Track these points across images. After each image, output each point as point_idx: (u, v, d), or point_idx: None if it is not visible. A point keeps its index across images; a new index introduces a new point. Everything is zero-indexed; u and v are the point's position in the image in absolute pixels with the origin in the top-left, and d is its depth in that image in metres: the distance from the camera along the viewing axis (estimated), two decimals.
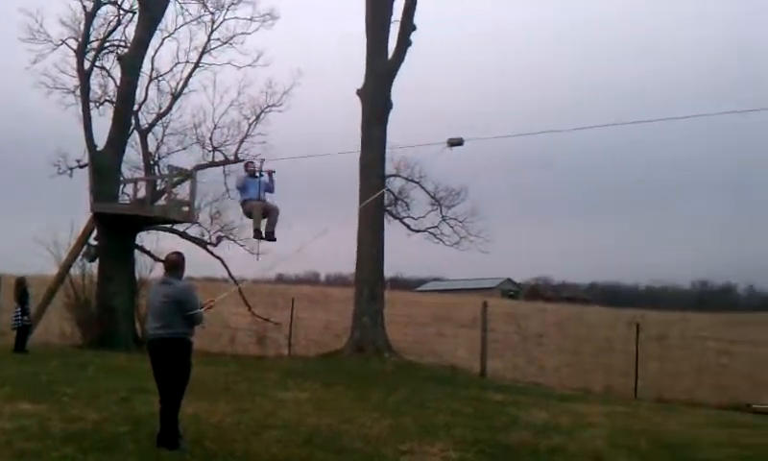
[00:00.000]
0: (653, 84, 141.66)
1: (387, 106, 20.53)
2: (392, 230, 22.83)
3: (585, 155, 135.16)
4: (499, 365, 19.91)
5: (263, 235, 11.37)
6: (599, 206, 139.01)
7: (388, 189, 22.43)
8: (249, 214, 11.55)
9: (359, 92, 20.58)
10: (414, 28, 20.73)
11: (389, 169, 22.00)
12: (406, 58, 20.82)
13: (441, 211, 23.86)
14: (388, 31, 20.73)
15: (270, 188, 11.68)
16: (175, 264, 7.88)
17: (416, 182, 23.67)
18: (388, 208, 22.78)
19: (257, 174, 11.53)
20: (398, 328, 22.96)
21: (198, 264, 22.64)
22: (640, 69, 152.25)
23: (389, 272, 21.03)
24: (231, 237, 23.25)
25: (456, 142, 10.19)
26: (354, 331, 19.62)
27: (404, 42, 20.70)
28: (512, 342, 25.23)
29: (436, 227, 24.00)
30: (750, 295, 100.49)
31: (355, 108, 20.72)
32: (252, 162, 12.11)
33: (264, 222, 11.34)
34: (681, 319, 41.09)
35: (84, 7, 22.04)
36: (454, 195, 23.82)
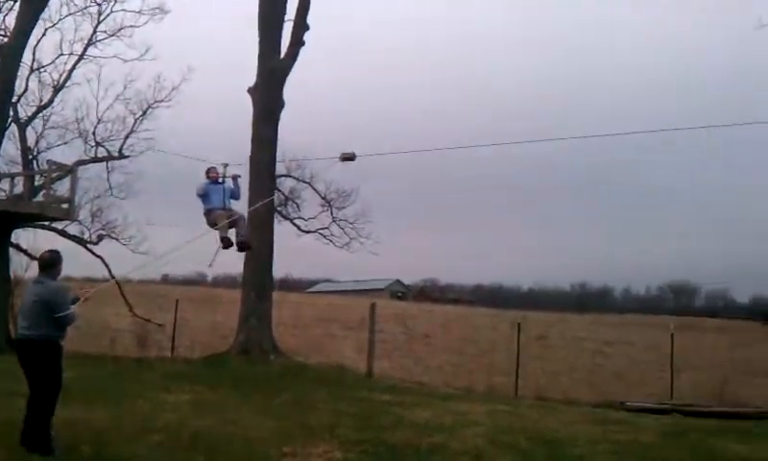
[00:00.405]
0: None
1: (278, 105, 20.33)
2: (282, 230, 22.70)
3: (474, 161, 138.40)
4: (386, 365, 20.08)
5: (232, 243, 10.73)
6: (485, 210, 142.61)
7: (278, 189, 22.26)
8: (213, 224, 10.82)
9: (250, 91, 20.30)
10: (307, 28, 20.62)
11: (280, 169, 21.84)
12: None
13: (331, 212, 23.90)
14: (281, 30, 20.52)
15: (235, 194, 11.03)
16: (49, 263, 7.55)
17: (307, 183, 23.61)
18: (278, 209, 22.60)
19: (220, 180, 10.89)
20: (287, 330, 22.84)
21: (79, 263, 21.83)
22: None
23: (279, 273, 21.04)
24: (114, 236, 22.52)
25: (348, 157, 10.18)
26: (240, 333, 19.31)
27: (297, 42, 20.56)
28: (399, 342, 25.54)
29: (326, 228, 24.03)
30: (625, 297, 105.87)
31: (248, 106, 20.44)
32: (215, 167, 11.30)
33: (232, 232, 10.74)
34: (560, 320, 42.77)
35: None
36: (345, 196, 23.94)
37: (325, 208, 23.89)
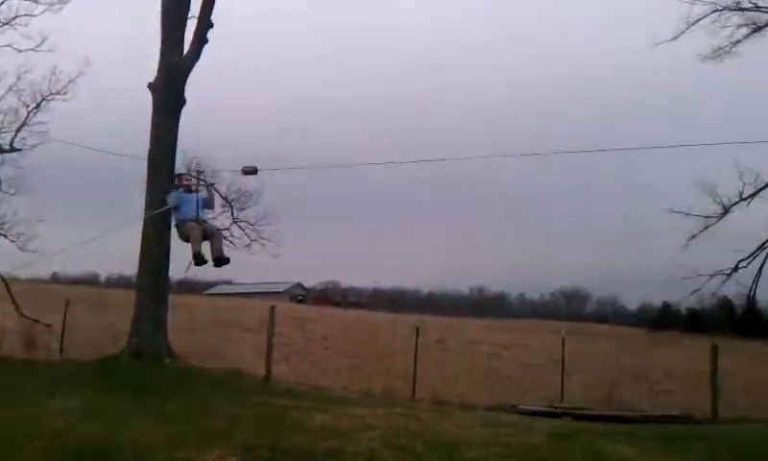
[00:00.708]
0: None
1: (179, 102, 19.83)
2: None
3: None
4: (285, 369, 19.96)
5: (206, 260, 9.91)
6: (387, 213, 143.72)
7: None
8: (185, 237, 9.98)
9: (150, 86, 19.76)
10: (211, 25, 20.20)
11: (180, 167, 21.31)
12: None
13: (232, 213, 23.57)
14: (184, 26, 20.05)
15: (209, 204, 10.28)
16: None
17: (208, 183, 23.14)
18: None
19: (194, 189, 10.12)
20: (183, 333, 22.28)
21: None
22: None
23: (176, 274, 20.41)
24: (2, 232, 21.47)
25: (250, 171, 9.90)
26: (133, 335, 18.68)
27: (200, 39, 20.13)
28: (298, 346, 25.42)
29: (227, 229, 23.67)
30: (521, 303, 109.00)
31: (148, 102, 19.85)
32: (188, 175, 10.47)
33: (207, 245, 9.91)
34: (459, 324, 43.50)
35: None
36: (246, 197, 23.66)
37: (226, 209, 23.55)
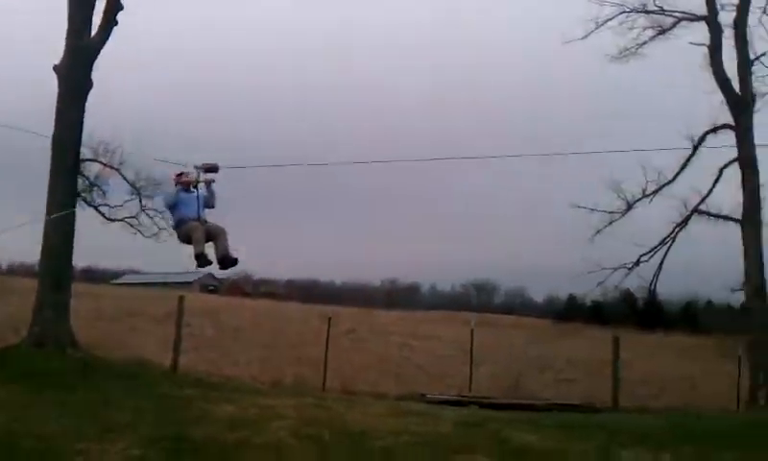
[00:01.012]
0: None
1: (86, 85, 19.21)
2: (86, 217, 21.46)
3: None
4: (193, 360, 19.64)
5: (210, 261, 9.10)
6: (302, 205, 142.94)
7: (82, 174, 21.02)
8: (186, 238, 9.19)
9: (56, 68, 19.06)
10: (121, 7, 19.63)
11: (86, 153, 20.64)
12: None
13: (140, 201, 22.89)
14: (92, 7, 19.42)
15: (210, 203, 9.50)
16: None
17: (115, 169, 22.47)
18: (82, 194, 21.34)
19: (193, 187, 9.35)
20: (87, 323, 21.65)
21: None
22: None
23: (82, 262, 19.82)
24: None
25: (211, 168, 9.38)
26: (35, 325, 18.05)
27: (109, 21, 19.53)
28: (207, 337, 25.06)
29: (134, 217, 22.98)
30: (432, 294, 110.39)
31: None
32: (186, 173, 9.48)
33: (210, 245, 9.15)
34: (370, 315, 43.71)
35: None
36: (155, 185, 23.00)
37: (134, 196, 22.85)
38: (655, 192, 23.27)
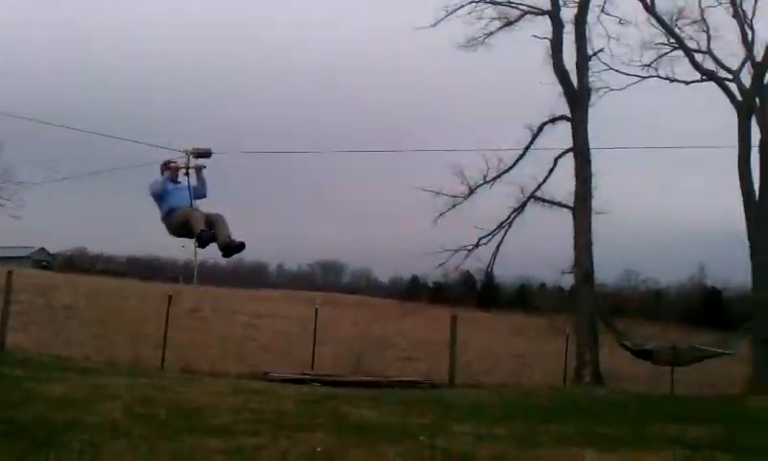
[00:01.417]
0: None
1: None
2: None
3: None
4: (22, 338, 18.55)
5: (213, 237, 7.87)
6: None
7: None
8: (180, 227, 7.94)
9: None
10: None
11: None
12: None
13: None
14: None
15: (201, 192, 8.27)
16: None
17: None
18: None
19: (180, 179, 8.13)
20: None
21: None
22: None
23: None
24: None
25: (202, 153, 8.72)
26: None
27: None
28: (38, 314, 23.73)
29: None
30: (279, 273, 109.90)
31: None
32: (174, 161, 8.56)
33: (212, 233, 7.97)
34: (216, 294, 42.92)
35: None
36: None
37: None
38: (495, 178, 24.22)
